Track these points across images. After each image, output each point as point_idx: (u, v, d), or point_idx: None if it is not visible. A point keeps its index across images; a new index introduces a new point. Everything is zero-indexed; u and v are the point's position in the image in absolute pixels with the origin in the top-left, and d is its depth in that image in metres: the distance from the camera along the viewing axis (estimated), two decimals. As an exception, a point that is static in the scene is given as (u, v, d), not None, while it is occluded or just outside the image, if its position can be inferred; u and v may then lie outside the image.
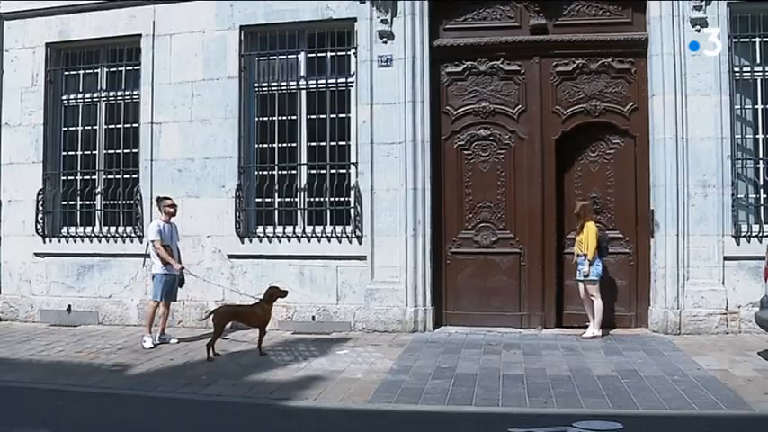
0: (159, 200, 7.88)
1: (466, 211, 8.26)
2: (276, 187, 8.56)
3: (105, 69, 9.21)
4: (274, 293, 7.10)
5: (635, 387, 5.47)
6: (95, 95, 9.22)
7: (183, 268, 7.71)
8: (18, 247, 9.23)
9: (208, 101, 8.60)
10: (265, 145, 8.62)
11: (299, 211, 8.47)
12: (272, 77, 8.62)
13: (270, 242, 8.43)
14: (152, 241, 7.57)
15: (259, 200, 8.62)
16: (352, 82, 8.40)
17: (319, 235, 8.30)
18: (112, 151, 9.11)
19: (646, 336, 7.53)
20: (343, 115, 8.43)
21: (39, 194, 9.09)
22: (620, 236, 7.99)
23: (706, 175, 7.57)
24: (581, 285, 7.55)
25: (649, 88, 7.82)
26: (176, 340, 7.61)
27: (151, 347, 7.32)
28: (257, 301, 7.18)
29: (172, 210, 7.75)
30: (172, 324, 8.55)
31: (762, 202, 7.71)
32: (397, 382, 5.74)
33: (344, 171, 8.40)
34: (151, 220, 8.65)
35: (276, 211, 8.58)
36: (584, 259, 7.45)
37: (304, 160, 8.52)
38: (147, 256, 7.88)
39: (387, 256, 8.03)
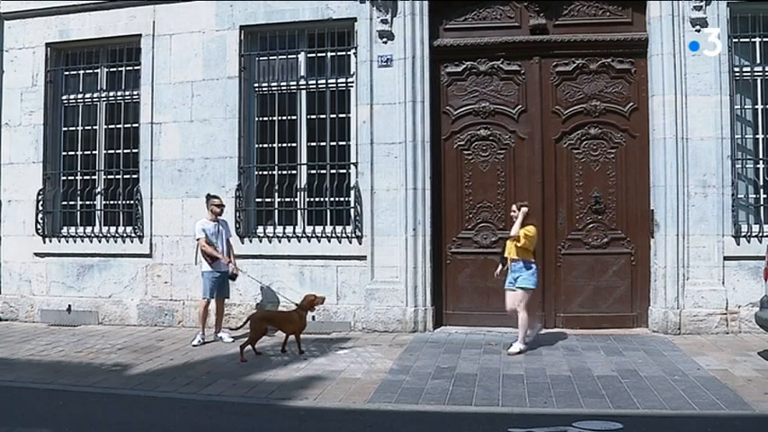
0: (208, 198, 7.84)
1: (466, 211, 8.26)
2: (276, 187, 8.56)
3: (105, 69, 9.20)
4: (313, 301, 7.10)
5: (635, 387, 5.47)
6: (95, 95, 9.22)
7: (230, 262, 7.68)
8: (18, 247, 9.23)
9: (208, 101, 8.60)
10: (265, 145, 8.62)
11: (299, 211, 8.47)
12: (272, 77, 8.62)
13: (270, 242, 8.43)
14: (197, 240, 7.58)
15: (259, 200, 8.62)
16: (352, 82, 8.40)
17: (319, 235, 8.30)
18: (112, 151, 9.11)
19: (646, 336, 7.52)
20: (343, 115, 8.43)
21: (39, 194, 9.09)
22: (622, 236, 7.99)
23: (706, 175, 7.58)
24: (509, 294, 6.95)
25: (649, 88, 7.82)
26: (231, 339, 7.56)
27: (196, 345, 7.35)
28: (295, 306, 7.19)
29: (218, 209, 7.72)
30: (172, 324, 8.58)
31: (762, 202, 7.71)
32: (397, 382, 5.75)
33: (344, 171, 8.40)
34: (152, 221, 8.71)
35: (276, 211, 8.58)
36: (521, 266, 6.84)
37: (304, 160, 8.52)
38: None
39: (387, 256, 8.03)
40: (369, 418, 4.91)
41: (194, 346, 7.34)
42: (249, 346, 6.81)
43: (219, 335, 7.70)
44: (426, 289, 8.01)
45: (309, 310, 7.17)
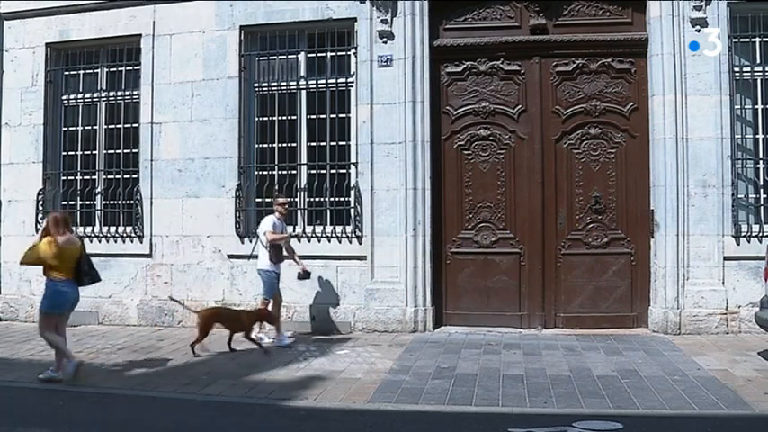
0: (273, 198, 7.81)
1: (466, 211, 8.25)
2: (276, 187, 8.56)
3: (105, 69, 9.20)
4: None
5: (635, 387, 5.47)
6: (95, 95, 9.22)
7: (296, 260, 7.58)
8: (18, 248, 9.03)
9: (208, 101, 8.60)
10: (265, 145, 8.62)
11: (299, 211, 8.47)
12: (272, 77, 8.62)
13: (270, 242, 8.43)
14: (265, 232, 7.40)
15: (259, 200, 8.62)
16: (352, 82, 8.40)
17: (319, 235, 8.29)
18: (112, 151, 9.11)
19: (646, 336, 7.52)
20: (343, 115, 8.43)
21: (39, 194, 9.09)
22: (622, 236, 7.99)
23: (706, 175, 7.58)
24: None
25: (649, 88, 7.82)
26: (292, 339, 7.44)
27: (286, 346, 7.26)
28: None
29: (281, 208, 7.60)
30: (172, 324, 8.58)
31: (762, 202, 7.71)
32: (397, 382, 5.75)
33: (344, 171, 8.40)
34: (152, 221, 8.71)
35: (276, 211, 8.58)
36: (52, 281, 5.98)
37: (304, 160, 8.51)
38: (254, 256, 7.69)
39: (387, 256, 8.02)
40: (369, 418, 4.90)
41: (288, 346, 7.20)
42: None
43: (279, 336, 7.40)
44: (426, 289, 8.01)
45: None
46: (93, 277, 6.28)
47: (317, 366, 6.39)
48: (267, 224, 7.50)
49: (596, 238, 8.00)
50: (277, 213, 7.61)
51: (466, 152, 8.28)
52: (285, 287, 8.20)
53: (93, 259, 8.76)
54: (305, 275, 7.68)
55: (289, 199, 7.91)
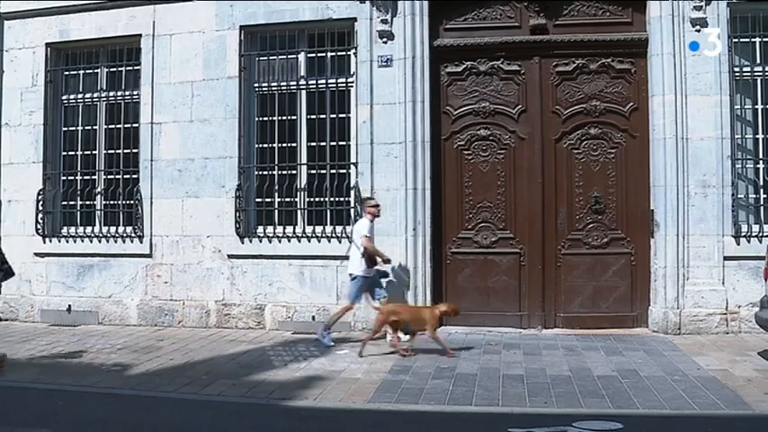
0: (363, 200, 7.72)
1: (466, 211, 8.26)
2: (276, 187, 8.56)
3: (105, 69, 9.20)
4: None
5: (635, 387, 5.47)
6: (95, 95, 9.22)
7: (388, 260, 7.41)
8: (18, 247, 9.17)
9: (208, 101, 8.60)
10: (265, 145, 8.62)
11: (299, 211, 8.47)
12: (272, 77, 8.62)
13: (270, 242, 8.43)
14: (364, 236, 7.24)
15: (259, 200, 8.62)
16: (352, 82, 8.40)
17: (319, 235, 8.29)
18: (112, 151, 9.11)
19: (646, 336, 7.52)
20: (343, 115, 8.43)
21: (39, 194, 9.09)
22: (622, 236, 7.99)
23: (706, 175, 7.58)
24: None
25: (649, 88, 7.82)
26: (333, 342, 7.31)
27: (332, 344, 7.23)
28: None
29: (375, 210, 7.47)
30: (172, 324, 8.58)
31: (762, 202, 7.72)
32: (397, 382, 5.75)
33: (344, 171, 8.40)
34: (152, 221, 8.71)
35: (276, 211, 8.58)
36: None
37: (304, 160, 8.52)
38: (346, 257, 7.57)
39: (387, 256, 8.02)
40: (369, 418, 4.91)
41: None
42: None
43: (324, 333, 7.32)
44: (426, 289, 8.00)
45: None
46: (7, 272, 6.40)
47: (316, 366, 6.39)
48: (363, 229, 7.33)
49: (596, 238, 8.00)
50: (369, 215, 7.47)
51: (466, 152, 8.28)
52: (285, 287, 8.24)
53: (94, 259, 8.95)
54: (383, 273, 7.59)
55: (379, 205, 7.60)
